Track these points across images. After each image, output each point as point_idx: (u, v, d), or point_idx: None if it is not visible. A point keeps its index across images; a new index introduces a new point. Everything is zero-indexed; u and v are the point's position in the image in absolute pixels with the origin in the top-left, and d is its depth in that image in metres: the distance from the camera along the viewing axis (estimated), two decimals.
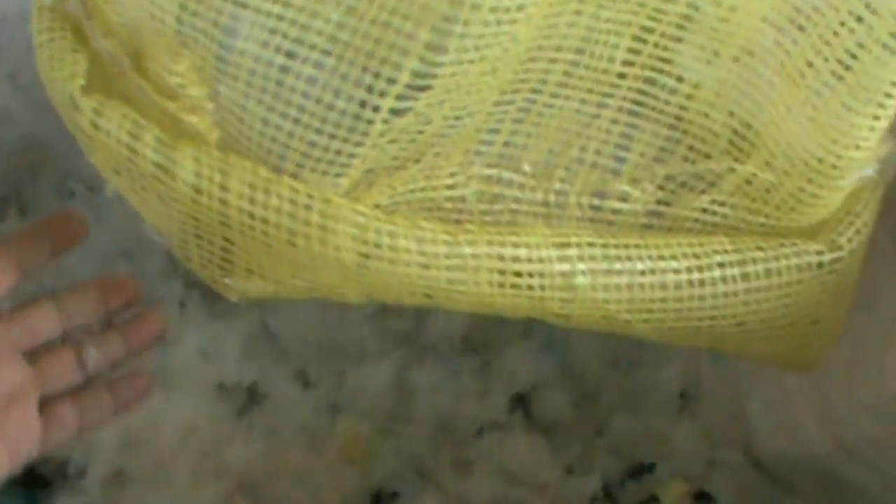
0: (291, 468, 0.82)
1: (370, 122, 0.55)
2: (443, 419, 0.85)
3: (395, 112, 0.55)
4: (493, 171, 0.61)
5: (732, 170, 0.61)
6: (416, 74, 0.54)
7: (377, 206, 0.58)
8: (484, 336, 0.89)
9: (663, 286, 0.59)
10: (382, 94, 0.54)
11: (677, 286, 0.59)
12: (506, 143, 0.61)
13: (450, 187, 0.60)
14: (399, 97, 0.54)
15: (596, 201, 0.61)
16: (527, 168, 0.61)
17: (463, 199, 0.60)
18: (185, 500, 0.79)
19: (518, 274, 0.57)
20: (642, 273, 0.59)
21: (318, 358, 0.87)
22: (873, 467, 0.75)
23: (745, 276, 0.60)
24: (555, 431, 0.86)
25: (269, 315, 0.87)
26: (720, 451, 0.85)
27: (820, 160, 0.59)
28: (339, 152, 0.55)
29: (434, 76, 0.54)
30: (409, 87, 0.54)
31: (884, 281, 0.74)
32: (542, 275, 0.58)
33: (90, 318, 0.62)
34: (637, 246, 0.59)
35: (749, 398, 0.84)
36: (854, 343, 0.76)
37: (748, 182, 0.61)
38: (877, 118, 0.58)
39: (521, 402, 0.88)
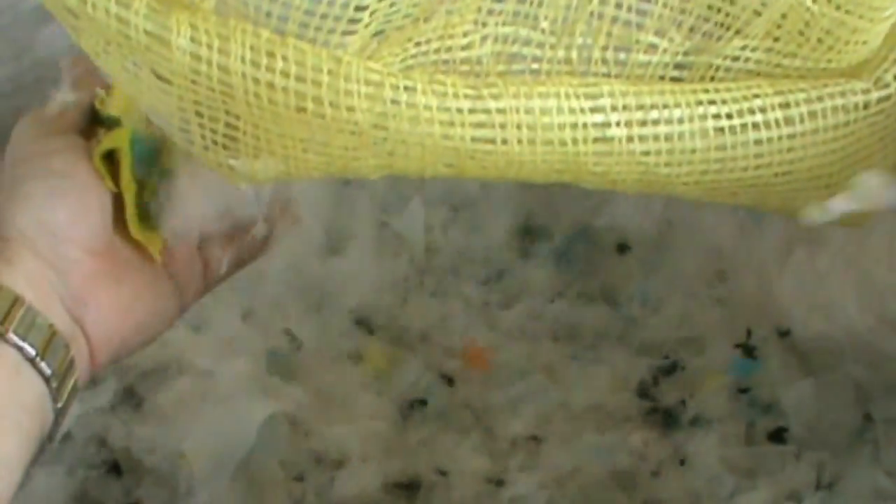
0: None
1: None
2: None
3: None
4: (509, 30, 0.54)
5: (759, 13, 0.54)
6: None
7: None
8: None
9: (704, 134, 0.53)
10: None
11: (718, 132, 0.53)
12: (520, 0, 0.54)
13: (465, 48, 0.53)
14: None
15: (622, 55, 0.55)
16: (545, 25, 0.54)
17: (479, 61, 0.53)
18: None
19: (549, 127, 0.51)
20: (681, 121, 0.52)
21: None
22: None
23: (788, 120, 0.54)
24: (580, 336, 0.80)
25: None
26: (753, 340, 0.78)
27: None
28: (345, 6, 0.49)
29: None
30: None
31: None
32: (574, 127, 0.51)
33: None
34: (673, 92, 0.53)
35: (779, 282, 0.77)
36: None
37: (779, 25, 0.54)
38: None
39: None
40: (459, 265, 0.84)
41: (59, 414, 0.47)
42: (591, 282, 0.82)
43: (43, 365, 0.45)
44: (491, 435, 0.74)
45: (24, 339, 0.45)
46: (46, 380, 0.45)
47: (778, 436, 0.74)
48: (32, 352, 0.45)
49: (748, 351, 0.78)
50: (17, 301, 0.45)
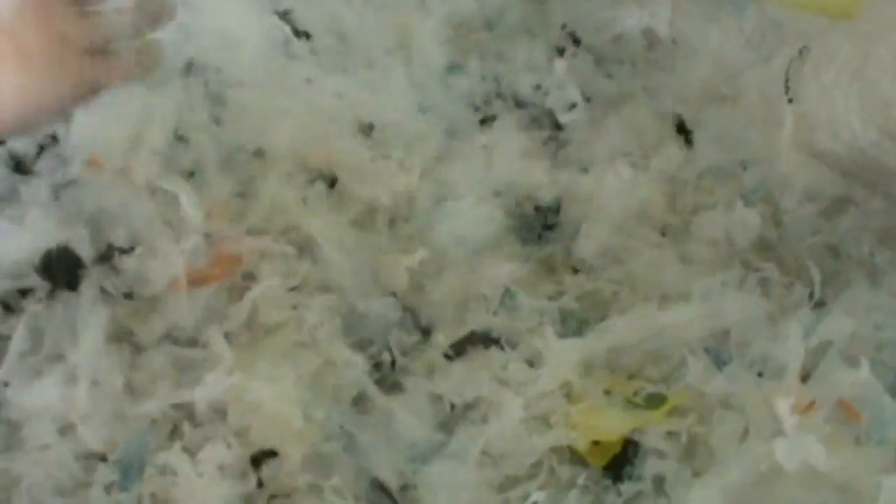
0: None
1: None
2: None
3: None
4: None
5: None
6: None
7: None
8: None
9: None
10: None
11: None
12: None
13: None
14: None
15: None
16: None
17: None
18: None
19: None
20: None
21: None
22: None
23: None
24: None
25: None
26: (755, 161, 0.72)
27: None
28: None
29: None
30: None
31: None
32: None
33: None
34: None
35: (783, 101, 0.71)
36: None
37: None
38: None
39: None
40: None
41: None
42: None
43: None
44: None
45: None
46: None
47: (774, 257, 0.68)
48: None
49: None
50: None
